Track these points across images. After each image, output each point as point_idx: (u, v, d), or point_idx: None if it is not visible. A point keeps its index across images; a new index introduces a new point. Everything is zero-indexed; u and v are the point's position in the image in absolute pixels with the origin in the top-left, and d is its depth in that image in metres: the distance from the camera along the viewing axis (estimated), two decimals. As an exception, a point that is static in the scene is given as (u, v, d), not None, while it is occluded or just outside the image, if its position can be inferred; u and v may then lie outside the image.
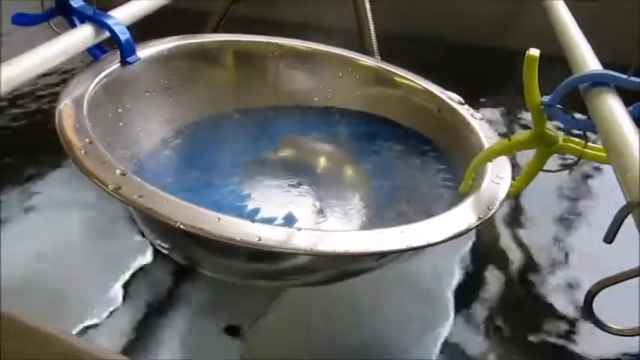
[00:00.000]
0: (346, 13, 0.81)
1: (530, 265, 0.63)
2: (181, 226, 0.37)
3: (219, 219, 0.37)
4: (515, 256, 0.64)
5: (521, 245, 0.66)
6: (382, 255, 0.40)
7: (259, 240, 0.36)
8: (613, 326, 0.32)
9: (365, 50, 0.76)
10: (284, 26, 1.00)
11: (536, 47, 0.44)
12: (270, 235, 0.37)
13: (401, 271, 0.59)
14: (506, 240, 0.66)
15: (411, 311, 0.57)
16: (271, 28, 0.80)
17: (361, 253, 0.38)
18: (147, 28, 0.63)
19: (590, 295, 0.32)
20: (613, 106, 0.39)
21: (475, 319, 0.56)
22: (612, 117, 0.38)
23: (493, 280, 0.61)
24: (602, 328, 0.32)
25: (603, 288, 0.31)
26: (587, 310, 0.32)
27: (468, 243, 0.64)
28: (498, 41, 0.92)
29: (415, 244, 0.39)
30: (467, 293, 0.59)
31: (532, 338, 0.55)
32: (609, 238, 0.30)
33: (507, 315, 0.57)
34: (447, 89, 0.63)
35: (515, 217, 0.70)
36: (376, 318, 0.55)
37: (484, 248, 0.65)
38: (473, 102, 0.90)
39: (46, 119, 0.53)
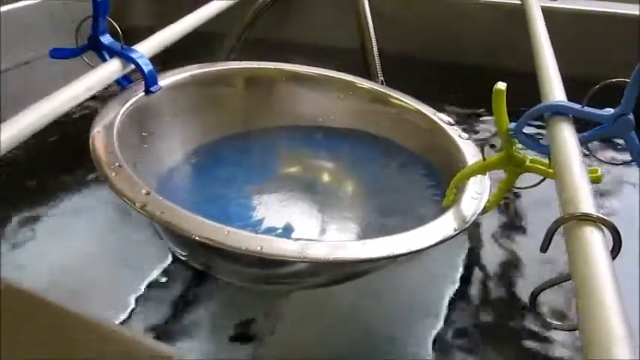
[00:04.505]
0: (352, 35, 0.88)
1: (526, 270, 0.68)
2: (196, 238, 0.44)
3: (228, 232, 0.45)
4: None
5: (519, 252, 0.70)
6: (367, 261, 0.47)
7: (261, 249, 0.43)
8: (552, 322, 0.38)
9: (369, 71, 0.83)
10: (294, 47, 1.08)
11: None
12: (269, 245, 0.44)
13: (398, 276, 0.65)
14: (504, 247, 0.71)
15: (412, 309, 0.62)
16: (282, 50, 0.87)
17: (343, 260, 0.44)
18: (169, 49, 0.71)
19: (534, 295, 0.38)
20: (566, 134, 0.45)
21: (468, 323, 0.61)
22: (563, 144, 0.44)
23: (488, 285, 0.66)
24: (542, 324, 0.38)
25: (544, 290, 0.38)
26: (531, 309, 0.38)
27: (465, 250, 0.69)
28: (501, 62, 0.99)
29: (396, 252, 0.46)
30: (463, 298, 0.63)
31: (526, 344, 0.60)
32: (543, 248, 0.36)
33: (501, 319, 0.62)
34: (447, 108, 0.69)
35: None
36: (377, 316, 0.61)
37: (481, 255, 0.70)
38: (471, 121, 0.95)
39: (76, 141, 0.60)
